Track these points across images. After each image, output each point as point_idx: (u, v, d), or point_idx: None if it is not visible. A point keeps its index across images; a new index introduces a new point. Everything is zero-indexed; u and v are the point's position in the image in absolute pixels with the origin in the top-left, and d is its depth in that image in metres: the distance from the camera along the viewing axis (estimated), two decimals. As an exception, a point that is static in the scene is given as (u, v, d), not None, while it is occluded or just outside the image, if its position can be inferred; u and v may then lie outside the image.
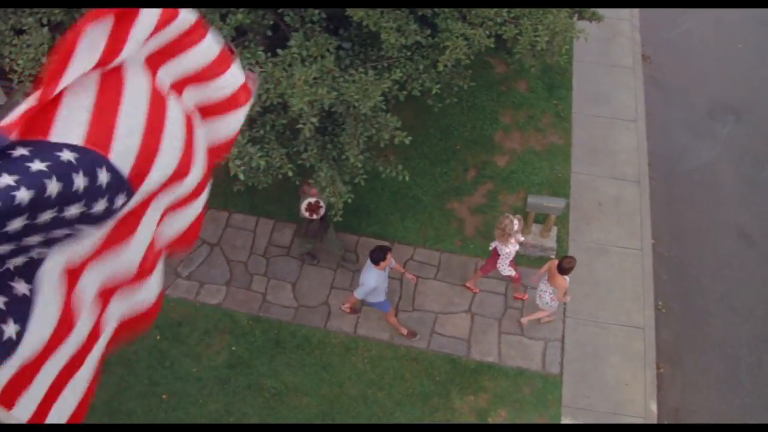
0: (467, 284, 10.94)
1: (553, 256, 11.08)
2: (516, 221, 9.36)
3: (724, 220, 12.00)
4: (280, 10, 7.93)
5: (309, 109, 6.82)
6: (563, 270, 9.34)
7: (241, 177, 7.10)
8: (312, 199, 9.41)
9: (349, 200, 8.82)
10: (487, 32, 8.28)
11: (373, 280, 9.17)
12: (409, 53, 8.54)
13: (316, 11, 7.98)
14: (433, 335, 10.49)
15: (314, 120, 7.01)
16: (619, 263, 11.20)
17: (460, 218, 11.55)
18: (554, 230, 11.12)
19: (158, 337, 10.48)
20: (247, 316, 10.68)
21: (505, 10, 8.50)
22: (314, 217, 9.62)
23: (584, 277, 11.00)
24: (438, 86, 8.49)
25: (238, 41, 7.84)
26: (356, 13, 7.30)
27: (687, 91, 13.70)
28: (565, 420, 9.84)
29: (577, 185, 12.01)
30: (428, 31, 8.37)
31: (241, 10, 7.46)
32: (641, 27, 14.59)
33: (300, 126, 7.17)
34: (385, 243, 9.26)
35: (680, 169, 12.62)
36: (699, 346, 10.80)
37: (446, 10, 8.40)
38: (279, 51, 7.38)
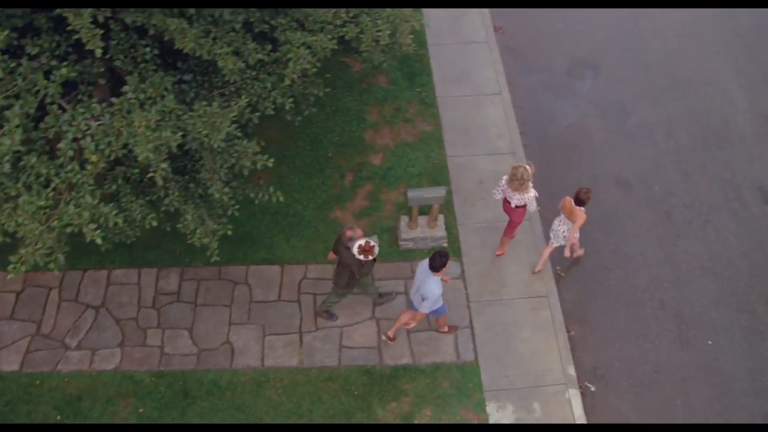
0: (498, 253, 11.31)
1: (445, 245, 11.21)
2: (528, 166, 10.18)
3: (602, 173, 12.45)
4: (108, 55, 7.61)
5: (156, 155, 6.58)
6: (581, 202, 10.11)
7: (99, 242, 6.77)
8: (362, 242, 9.22)
9: (229, 233, 8.64)
10: (329, 36, 8.23)
11: (437, 287, 9.09)
12: (254, 73, 8.40)
13: (147, 49, 7.72)
14: (342, 350, 10.41)
15: (164, 166, 6.77)
16: (523, 239, 11.40)
17: (346, 226, 11.51)
18: (441, 219, 11.23)
19: (58, 417, 9.96)
20: (148, 374, 10.28)
21: (344, 10, 8.49)
22: (369, 258, 9.23)
23: (479, 258, 11.19)
24: (291, 101, 8.40)
25: (69, 97, 7.49)
26: (186, 45, 7.09)
27: (543, 55, 14.13)
28: (489, 405, 9.96)
29: (455, 168, 12.17)
30: (269, 47, 8.26)
31: (64, 63, 7.12)
32: None
33: (151, 174, 6.91)
34: (442, 250, 9.14)
35: (551, 131, 13.00)
36: (603, 301, 11.16)
37: (283, 21, 8.31)
38: (114, 99, 7.08)
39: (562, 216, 10.50)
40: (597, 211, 12.00)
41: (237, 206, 8.55)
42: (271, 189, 8.87)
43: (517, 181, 10.05)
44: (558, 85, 13.66)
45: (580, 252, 11.41)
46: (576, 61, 14.02)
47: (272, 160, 7.98)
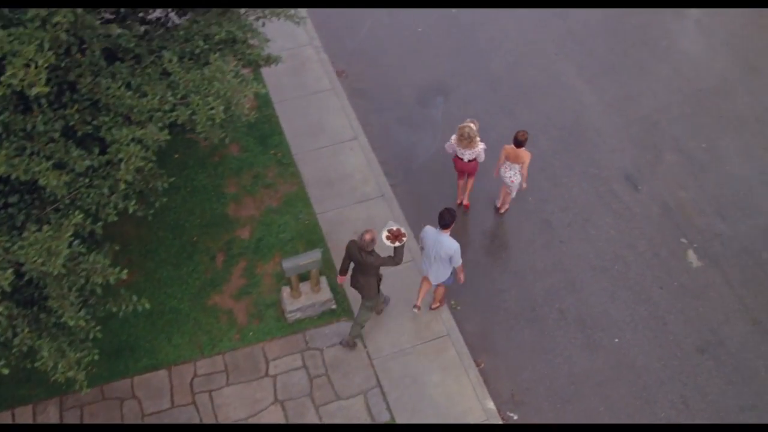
0: (464, 204, 12.29)
1: (334, 307, 10.86)
2: (472, 124, 11.18)
3: (474, 194, 12.47)
4: None
5: (-14, 299, 5.92)
6: (521, 143, 11.05)
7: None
8: (386, 231, 9.45)
9: (96, 357, 7.96)
10: (159, 125, 7.77)
11: (454, 241, 9.70)
12: (87, 180, 7.82)
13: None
14: (250, 444, 9.82)
15: (1, 309, 6.10)
16: (401, 281, 11.18)
17: (227, 310, 10.94)
18: (323, 280, 10.86)
19: None
20: None
21: (170, 94, 8.06)
22: (399, 243, 9.43)
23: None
24: (133, 203, 7.85)
25: None
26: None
27: (391, 90, 14.11)
28: (416, 462, 9.61)
29: (327, 224, 11.87)
30: (96, 150, 7.72)
31: None
32: (324, 45, 14.81)
33: (-11, 318, 6.23)
34: (450, 207, 9.82)
35: (415, 165, 12.96)
36: (505, 325, 11.07)
37: (107, 119, 7.79)
38: (-73, 246, 6.37)
39: (507, 163, 11.41)
40: (478, 232, 12.02)
41: (98, 328, 7.86)
42: (134, 298, 8.24)
43: (466, 140, 11.17)
44: (412, 117, 13.66)
45: (524, 185, 11.85)
46: (425, 91, 14.08)
47: (126, 271, 7.39)
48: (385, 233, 9.41)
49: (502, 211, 12.31)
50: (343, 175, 12.55)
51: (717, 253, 11.94)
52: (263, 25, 9.75)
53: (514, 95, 14.03)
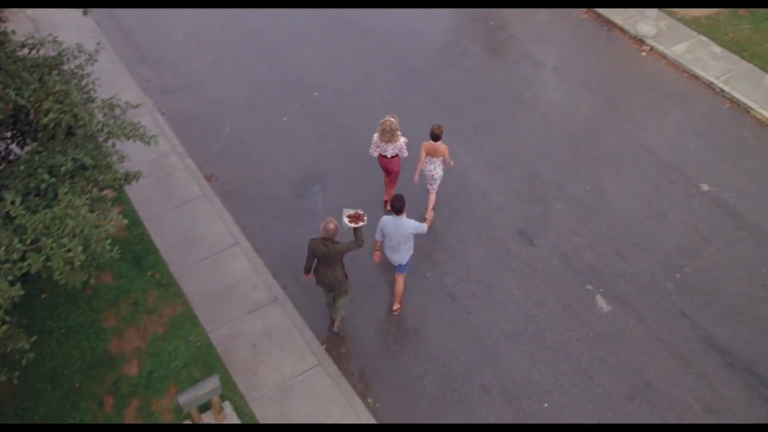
0: (427, 216, 12.13)
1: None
2: (392, 118, 11.79)
3: (373, 281, 11.93)
4: None
5: None
6: (437, 136, 11.86)
7: None
8: (346, 216, 10.29)
9: None
10: (9, 278, 6.87)
11: (411, 220, 10.69)
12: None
13: None
14: None
15: None
16: (310, 389, 10.41)
17: (126, 462, 9.84)
18: (227, 405, 9.98)
19: None
20: None
21: (17, 240, 7.17)
22: (364, 221, 10.31)
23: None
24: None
25: None
26: None
27: (266, 187, 13.53)
28: None
29: (221, 342, 11.00)
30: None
31: None
32: (188, 151, 14.14)
33: None
34: (398, 194, 10.58)
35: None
36: (430, 412, 10.45)
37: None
38: None
39: (427, 158, 12.14)
40: (382, 320, 11.44)
41: None
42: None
43: (388, 133, 11.71)
44: (292, 211, 13.09)
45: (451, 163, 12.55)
46: (300, 181, 13.59)
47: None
48: (346, 219, 10.28)
49: (428, 216, 12.15)
50: (230, 286, 11.76)
51: (624, 293, 11.83)
52: (113, 145, 9.04)
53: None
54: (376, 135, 11.99)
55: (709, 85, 15.76)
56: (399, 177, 12.73)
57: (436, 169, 12.26)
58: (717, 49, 16.70)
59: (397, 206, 10.44)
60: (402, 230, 10.57)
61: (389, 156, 12.10)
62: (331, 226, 9.97)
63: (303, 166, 13.88)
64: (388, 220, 10.64)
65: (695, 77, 15.97)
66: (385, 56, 16.32)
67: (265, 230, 12.77)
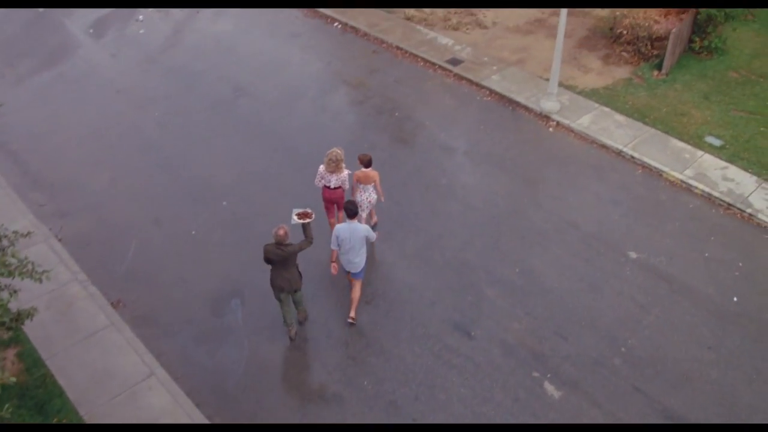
0: (333, 270, 11.91)
1: None
2: (338, 149, 12.41)
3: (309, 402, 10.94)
4: None
5: None
6: (367, 164, 12.54)
7: None
8: (295, 215, 11.12)
9: None
10: None
11: (363, 224, 11.76)
12: None
13: None
14: None
15: None
16: None
17: None
18: None
19: None
20: None
21: None
22: (309, 219, 11.05)
23: None
24: None
25: None
26: None
27: (178, 308, 12.45)
28: None
29: (145, 490, 9.71)
30: None
31: None
32: (91, 277, 12.96)
33: None
34: (351, 200, 11.69)
35: (231, 385, 11.19)
36: None
37: None
38: None
39: (360, 186, 12.74)
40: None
41: None
42: None
43: (333, 163, 12.26)
44: (210, 332, 12.02)
45: (382, 199, 13.22)
46: (216, 297, 12.58)
47: None
48: (294, 218, 11.08)
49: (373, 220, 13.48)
50: (150, 421, 10.52)
51: (572, 375, 11.20)
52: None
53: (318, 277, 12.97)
54: (322, 166, 12.50)
55: (619, 153, 15.80)
56: (341, 209, 12.69)
57: (370, 195, 12.90)
58: (620, 117, 16.88)
59: (350, 211, 11.24)
60: (356, 234, 11.28)
61: (332, 187, 12.56)
62: (281, 231, 10.70)
63: (218, 282, 12.91)
64: (342, 226, 11.35)
65: (604, 147, 16.01)
66: (292, 156, 15.72)
67: (183, 356, 11.64)
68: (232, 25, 21.53)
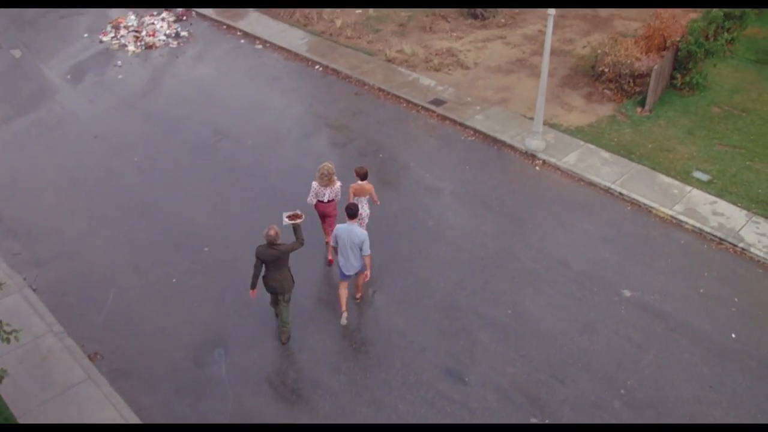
0: (330, 257, 13.32)
1: None
2: (329, 163, 12.86)
3: None
4: None
5: None
6: (363, 176, 12.99)
7: None
8: (285, 217, 11.43)
9: None
10: None
11: (363, 230, 11.88)
12: None
13: None
14: None
15: None
16: None
17: None
18: None
19: None
20: None
21: None
22: (301, 218, 11.40)
23: None
24: None
25: None
26: None
27: (159, 359, 11.87)
28: None
29: None
30: None
31: None
32: (67, 329, 12.37)
33: None
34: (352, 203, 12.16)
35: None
36: None
37: None
38: None
39: (356, 198, 12.97)
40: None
41: None
42: None
43: (326, 177, 12.62)
44: (192, 384, 11.42)
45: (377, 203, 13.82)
46: (199, 347, 12.02)
47: None
48: (285, 219, 11.44)
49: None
50: (128, 483, 9.94)
51: (571, 420, 10.73)
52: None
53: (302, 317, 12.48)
54: (314, 182, 12.79)
55: (607, 191, 15.55)
56: (335, 221, 13.05)
57: (363, 208, 13.08)
58: (606, 154, 16.68)
59: (350, 211, 11.64)
60: (353, 236, 11.55)
61: (326, 200, 12.90)
62: (272, 232, 11.02)
63: (200, 331, 12.36)
64: (342, 226, 11.70)
65: (592, 184, 15.76)
66: (275, 200, 15.23)
67: (164, 410, 11.03)
68: (213, 69, 21.27)
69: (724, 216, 14.72)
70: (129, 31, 23.37)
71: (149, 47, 22.54)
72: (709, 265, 13.65)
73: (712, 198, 15.25)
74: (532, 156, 16.72)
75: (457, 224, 14.71)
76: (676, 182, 15.73)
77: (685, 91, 19.28)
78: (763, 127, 17.85)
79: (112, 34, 23.26)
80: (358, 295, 12.73)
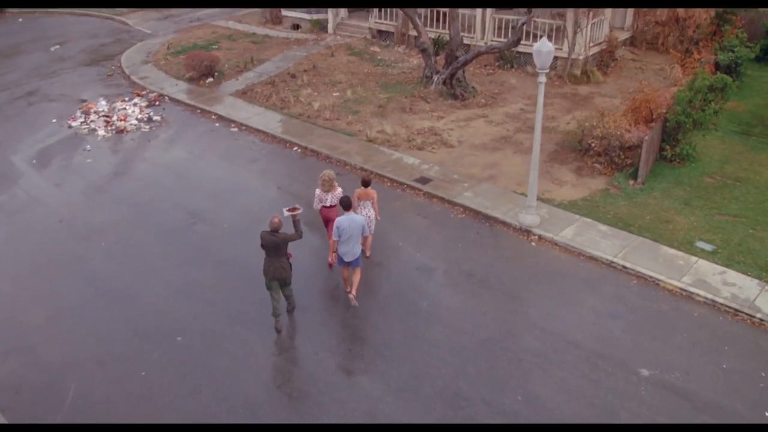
0: (330, 260, 14.22)
1: None
2: (330, 171, 13.98)
3: None
4: None
5: None
6: (368, 183, 14.03)
7: None
8: (285, 210, 12.68)
9: None
10: None
11: (360, 216, 13.47)
12: None
13: None
14: None
15: None
16: None
17: None
18: None
19: None
20: None
21: None
22: (299, 211, 12.56)
23: None
24: None
25: None
26: None
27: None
28: None
29: None
30: None
31: None
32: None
33: None
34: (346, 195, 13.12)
35: None
36: None
37: None
38: None
39: (361, 202, 13.97)
40: None
41: None
42: None
43: (327, 183, 13.67)
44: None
45: (378, 217, 14.51)
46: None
47: None
48: (285, 212, 12.62)
49: (367, 255, 14.48)
50: None
51: None
52: None
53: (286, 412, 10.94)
54: (318, 189, 13.88)
55: (610, 264, 14.47)
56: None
57: (370, 211, 14.09)
58: (604, 228, 15.70)
59: (345, 203, 12.72)
60: (355, 223, 12.59)
61: (329, 205, 13.89)
62: (276, 219, 12.06)
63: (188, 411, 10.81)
64: (342, 218, 12.59)
65: (593, 258, 14.68)
66: (254, 284, 13.65)
67: None
68: (186, 152, 20.21)
69: (735, 286, 13.65)
70: (99, 116, 22.40)
71: (120, 131, 21.52)
72: (728, 338, 12.47)
73: (720, 268, 14.22)
74: (527, 232, 15.65)
75: (454, 305, 13.42)
76: (681, 253, 14.71)
77: (676, 162, 18.60)
78: (760, 196, 17.13)
79: (82, 119, 22.27)
80: (353, 292, 13.15)
